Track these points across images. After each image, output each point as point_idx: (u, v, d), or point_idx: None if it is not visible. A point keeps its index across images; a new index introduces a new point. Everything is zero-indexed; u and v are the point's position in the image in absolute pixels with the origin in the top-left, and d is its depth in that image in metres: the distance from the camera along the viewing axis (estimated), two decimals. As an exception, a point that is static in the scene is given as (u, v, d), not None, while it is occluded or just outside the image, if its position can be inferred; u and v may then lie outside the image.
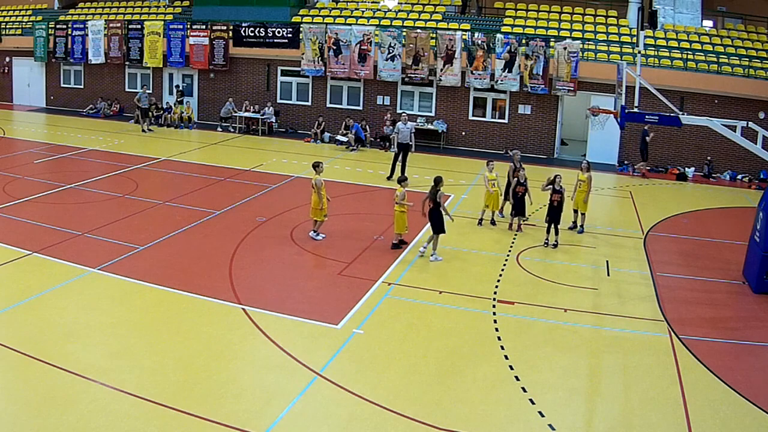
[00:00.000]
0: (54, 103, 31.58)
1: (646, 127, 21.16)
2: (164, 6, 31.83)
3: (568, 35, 24.56)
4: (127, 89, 29.68)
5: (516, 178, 14.71)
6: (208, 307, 10.43)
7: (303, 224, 14.41)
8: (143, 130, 25.57)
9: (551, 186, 13.93)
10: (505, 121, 24.66)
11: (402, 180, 13.51)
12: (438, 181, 12.84)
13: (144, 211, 15.26)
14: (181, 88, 28.39)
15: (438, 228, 12.82)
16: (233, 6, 27.97)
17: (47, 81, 31.74)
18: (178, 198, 16.42)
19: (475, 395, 8.27)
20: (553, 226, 13.92)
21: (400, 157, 19.13)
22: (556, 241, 13.97)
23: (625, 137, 22.91)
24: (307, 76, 26.45)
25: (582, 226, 15.17)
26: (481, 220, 15.42)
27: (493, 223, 15.33)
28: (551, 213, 13.92)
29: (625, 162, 23.04)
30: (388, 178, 19.16)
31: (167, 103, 28.35)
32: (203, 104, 28.42)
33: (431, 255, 12.83)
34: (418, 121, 24.95)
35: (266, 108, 26.48)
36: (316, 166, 13.70)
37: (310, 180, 13.80)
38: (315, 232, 13.74)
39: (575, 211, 15.12)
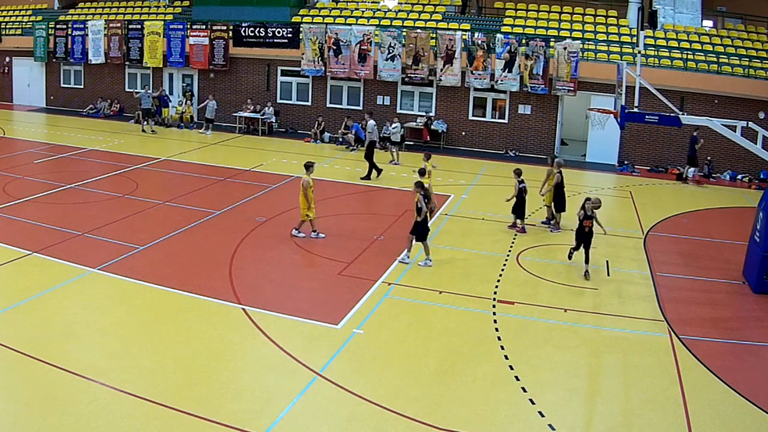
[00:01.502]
0: (54, 103, 31.57)
1: (695, 134, 20.67)
2: (164, 6, 31.82)
3: (568, 35, 24.56)
4: (127, 89, 29.64)
5: (582, 211, 12.63)
6: (208, 307, 10.43)
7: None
8: (143, 130, 25.54)
9: (582, 211, 12.60)
10: (505, 121, 24.66)
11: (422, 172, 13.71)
12: (420, 185, 12.60)
13: (144, 211, 15.26)
14: (190, 89, 28.11)
15: (424, 234, 12.52)
16: (233, 6, 27.96)
17: (47, 81, 31.73)
18: (178, 198, 16.42)
19: (475, 395, 8.27)
20: (583, 250, 12.56)
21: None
22: (586, 270, 12.47)
23: (625, 137, 22.92)
24: (307, 76, 26.45)
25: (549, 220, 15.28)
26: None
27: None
28: (580, 237, 12.62)
29: (625, 162, 23.04)
30: (362, 178, 19.12)
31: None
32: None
33: (424, 261, 12.62)
34: (417, 120, 25.00)
35: (266, 108, 26.48)
36: (309, 166, 13.73)
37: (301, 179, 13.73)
38: (297, 230, 13.85)
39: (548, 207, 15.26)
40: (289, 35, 26.33)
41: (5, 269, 11.50)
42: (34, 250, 12.34)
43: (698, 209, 18.28)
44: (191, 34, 27.65)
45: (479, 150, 24.71)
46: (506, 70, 23.52)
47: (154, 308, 10.37)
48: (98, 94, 30.25)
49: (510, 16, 26.63)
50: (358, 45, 25.02)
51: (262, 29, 26.61)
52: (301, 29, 26.01)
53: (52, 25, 30.39)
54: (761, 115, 21.43)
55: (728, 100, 21.96)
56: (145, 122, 25.74)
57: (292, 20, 27.31)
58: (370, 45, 24.91)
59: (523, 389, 8.41)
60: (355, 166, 21.07)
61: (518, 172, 14.91)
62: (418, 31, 24.73)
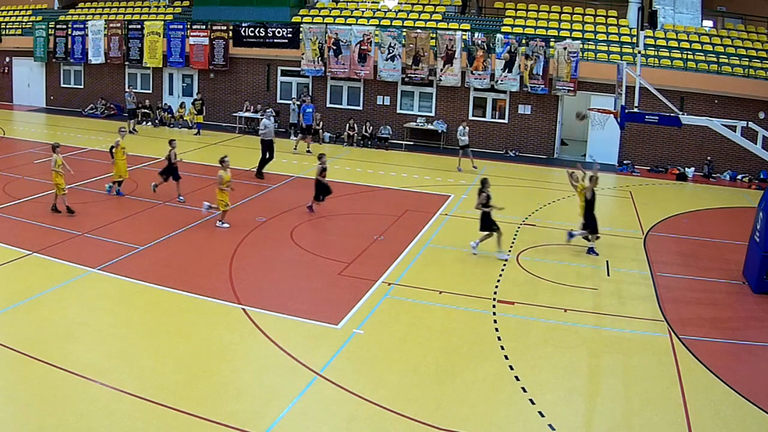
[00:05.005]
0: (54, 103, 31.56)
1: None
2: (164, 6, 31.81)
3: (568, 35, 24.55)
4: (126, 89, 29.60)
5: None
6: (207, 307, 10.43)
7: (303, 224, 14.42)
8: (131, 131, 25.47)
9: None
10: (505, 121, 24.66)
11: None
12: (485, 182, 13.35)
13: (144, 211, 15.26)
14: (201, 98, 26.66)
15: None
16: (233, 6, 27.94)
17: (47, 81, 31.69)
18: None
19: (475, 395, 8.27)
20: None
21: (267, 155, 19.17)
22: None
23: (625, 137, 22.92)
24: (307, 76, 26.45)
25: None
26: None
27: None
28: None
29: (625, 162, 23.04)
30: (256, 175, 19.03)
31: (166, 103, 28.36)
32: (203, 105, 28.33)
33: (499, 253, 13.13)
34: (417, 120, 25.02)
35: (266, 109, 26.44)
36: (222, 160, 14.30)
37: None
38: (221, 221, 14.33)
39: None
40: (289, 35, 26.32)
41: (5, 269, 11.50)
42: (34, 250, 12.34)
43: (698, 209, 18.29)
44: (191, 34, 27.63)
45: (479, 150, 24.64)
46: (506, 70, 23.52)
47: (154, 308, 10.37)
48: (98, 94, 30.23)
49: (510, 16, 26.62)
50: (358, 45, 25.00)
51: (262, 29, 26.61)
52: (301, 29, 26.01)
53: (52, 25, 30.37)
54: (761, 115, 21.43)
55: (728, 100, 21.95)
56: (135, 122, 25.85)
57: (292, 20, 27.30)
58: (370, 45, 24.90)
59: (523, 389, 8.41)
60: (355, 167, 21.08)
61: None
62: (418, 31, 24.73)
